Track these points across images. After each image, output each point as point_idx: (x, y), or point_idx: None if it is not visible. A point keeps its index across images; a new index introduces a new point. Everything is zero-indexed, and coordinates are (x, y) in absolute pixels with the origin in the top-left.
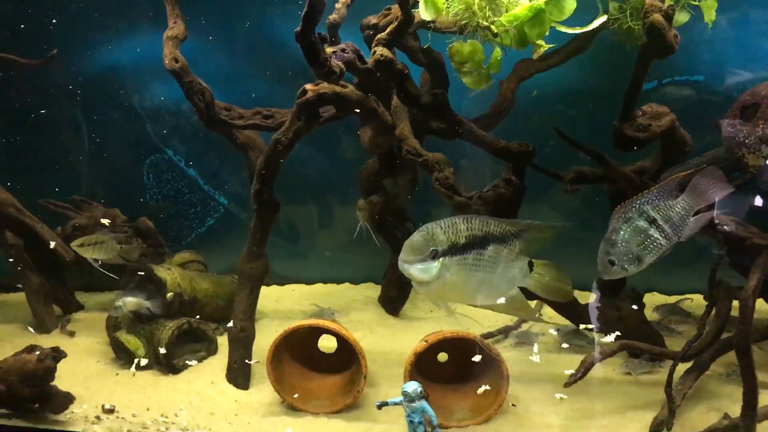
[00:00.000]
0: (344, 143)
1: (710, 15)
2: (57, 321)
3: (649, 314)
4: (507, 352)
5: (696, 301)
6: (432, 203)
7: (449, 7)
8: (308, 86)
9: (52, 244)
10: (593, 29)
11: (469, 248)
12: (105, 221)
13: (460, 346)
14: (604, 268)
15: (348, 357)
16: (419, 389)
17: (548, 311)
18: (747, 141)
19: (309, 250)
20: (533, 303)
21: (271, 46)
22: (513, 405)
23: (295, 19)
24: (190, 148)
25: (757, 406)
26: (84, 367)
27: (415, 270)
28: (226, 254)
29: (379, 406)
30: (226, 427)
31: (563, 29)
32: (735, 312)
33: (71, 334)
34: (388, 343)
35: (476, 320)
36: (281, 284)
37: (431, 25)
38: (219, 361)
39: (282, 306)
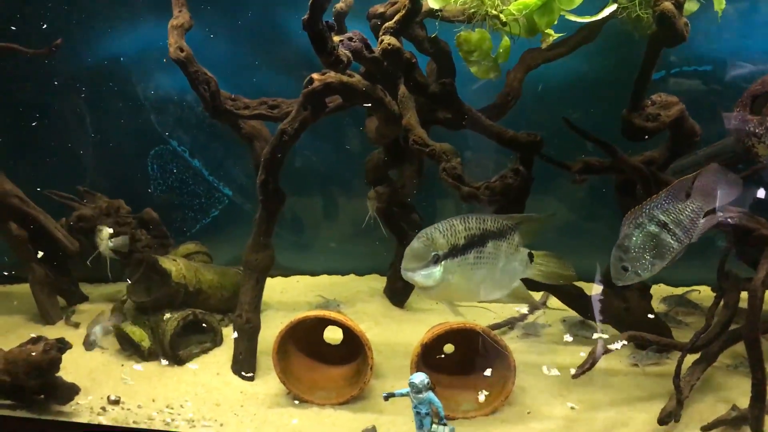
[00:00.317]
0: (349, 134)
1: (720, 4)
2: (61, 312)
3: (657, 306)
4: (513, 343)
5: (703, 293)
6: (438, 194)
7: None
8: (315, 75)
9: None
10: (603, 17)
11: (469, 248)
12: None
13: (466, 338)
14: (618, 275)
15: (354, 348)
16: (426, 380)
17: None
18: (757, 131)
19: (314, 241)
20: (539, 294)
21: (276, 35)
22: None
23: (301, 7)
24: (194, 138)
25: (765, 397)
26: (89, 359)
27: (419, 276)
28: (231, 245)
29: (386, 398)
30: (232, 418)
31: (573, 18)
32: (743, 303)
33: (76, 325)
34: (394, 334)
35: (488, 308)
36: (286, 275)
37: (439, 13)
38: (224, 353)
39: (287, 297)
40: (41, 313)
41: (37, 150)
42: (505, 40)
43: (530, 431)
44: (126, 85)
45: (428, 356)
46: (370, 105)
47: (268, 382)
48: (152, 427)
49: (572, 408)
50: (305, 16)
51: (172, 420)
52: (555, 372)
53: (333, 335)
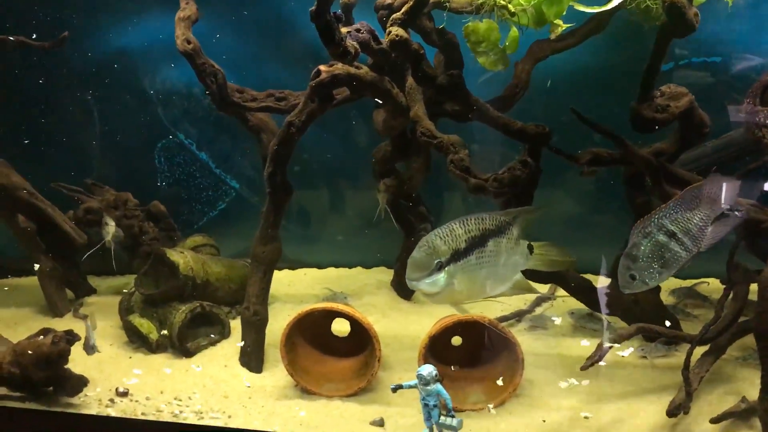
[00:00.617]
0: (356, 126)
1: None
2: (69, 305)
3: (665, 298)
4: (521, 335)
5: (712, 285)
6: (444, 187)
7: None
8: (322, 67)
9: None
10: (612, 8)
11: (471, 250)
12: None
13: (474, 330)
14: (626, 283)
15: (361, 341)
16: (434, 372)
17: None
18: (767, 122)
19: (321, 234)
20: (547, 287)
21: (283, 27)
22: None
23: None
24: (201, 131)
25: None
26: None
27: (424, 285)
28: (238, 238)
29: (394, 389)
30: (240, 410)
31: (581, 8)
32: (752, 295)
33: (84, 317)
34: (401, 327)
35: (499, 300)
36: (293, 268)
37: (446, 4)
38: (232, 345)
39: (294, 290)
40: (49, 306)
41: (44, 143)
42: (514, 31)
43: (538, 423)
44: (133, 77)
45: (436, 348)
46: (377, 97)
47: (275, 374)
48: (161, 419)
49: (573, 384)
50: (313, 8)
51: (180, 412)
52: (573, 382)
53: (340, 327)
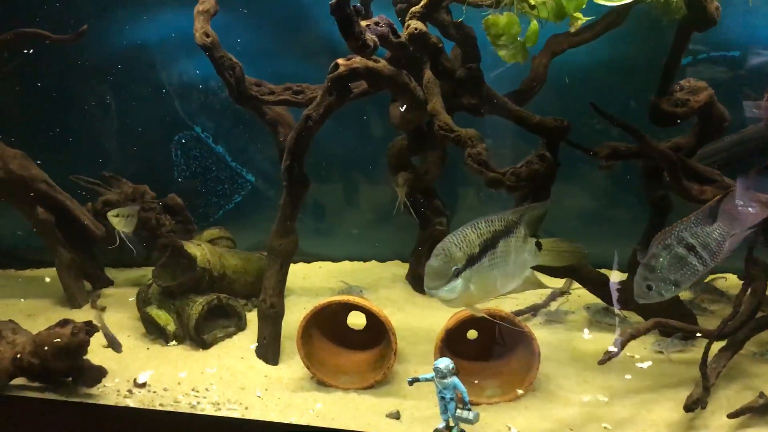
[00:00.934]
0: (372, 119)
1: None
2: (87, 296)
3: (682, 293)
4: (536, 330)
5: (730, 280)
6: (459, 181)
7: None
8: (340, 61)
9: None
10: (632, 1)
11: (483, 253)
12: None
13: (490, 323)
14: (641, 293)
15: (377, 334)
16: (451, 365)
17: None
18: None
19: (336, 227)
20: (562, 281)
21: (301, 21)
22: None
23: None
24: (218, 124)
25: None
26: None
27: (443, 293)
28: (254, 231)
29: (411, 382)
30: (257, 401)
31: (601, 2)
32: None
33: (102, 309)
34: (417, 320)
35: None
36: (308, 261)
37: None
38: (248, 337)
39: (309, 283)
40: (68, 297)
41: (63, 136)
42: (534, 24)
43: (554, 417)
44: (150, 71)
45: (452, 341)
46: (395, 91)
47: (291, 366)
48: (178, 410)
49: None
50: (333, 0)
51: (198, 403)
52: (602, 399)
53: (356, 321)
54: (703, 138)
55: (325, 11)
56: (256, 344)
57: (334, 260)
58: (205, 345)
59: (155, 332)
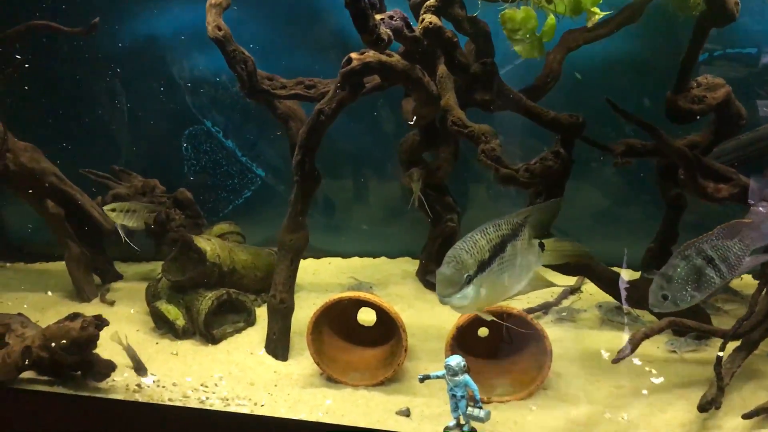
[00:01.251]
0: (383, 115)
1: None
2: (96, 290)
3: None
4: (547, 328)
5: (745, 280)
6: (471, 177)
7: None
8: (353, 55)
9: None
10: None
11: (493, 258)
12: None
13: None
14: (656, 302)
15: (387, 330)
16: (463, 363)
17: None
18: None
19: (346, 223)
20: (574, 279)
21: (313, 14)
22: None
23: None
24: (228, 119)
25: None
26: (124, 337)
27: (456, 300)
28: (264, 226)
29: (422, 380)
30: (266, 397)
31: None
32: None
33: (111, 303)
34: (427, 317)
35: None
36: (317, 257)
37: None
38: (257, 333)
39: (319, 279)
40: (77, 291)
41: (74, 129)
42: (551, 19)
43: (566, 416)
44: (161, 64)
45: (463, 339)
46: (408, 86)
47: (301, 362)
48: (187, 405)
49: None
50: None
51: (207, 398)
52: (615, 398)
53: (366, 317)
54: (720, 135)
55: (339, 5)
56: (266, 340)
57: (344, 256)
58: (214, 340)
59: (164, 327)
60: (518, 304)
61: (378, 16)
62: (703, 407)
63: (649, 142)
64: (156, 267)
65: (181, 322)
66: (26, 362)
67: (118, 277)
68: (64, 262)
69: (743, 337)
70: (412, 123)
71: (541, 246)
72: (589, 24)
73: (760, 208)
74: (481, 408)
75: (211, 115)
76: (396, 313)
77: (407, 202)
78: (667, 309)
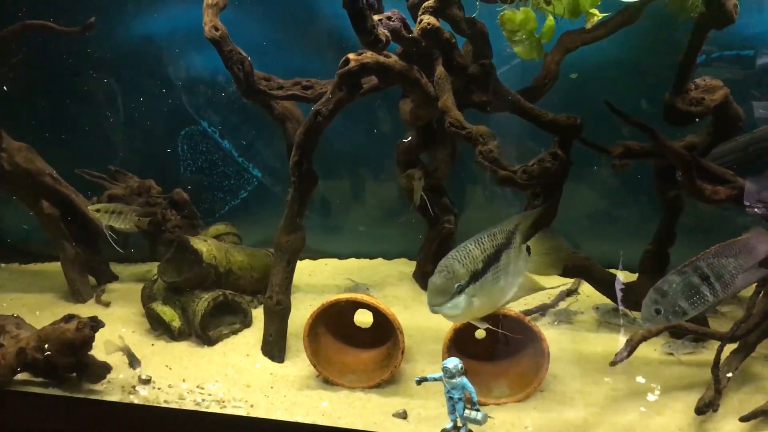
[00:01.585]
0: (380, 116)
1: None
2: (92, 291)
3: None
4: (545, 330)
5: None
6: (468, 178)
7: None
8: (351, 56)
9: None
10: None
11: (487, 268)
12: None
13: (499, 323)
14: (649, 315)
15: (384, 332)
16: (460, 365)
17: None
18: None
19: (342, 224)
20: (572, 280)
21: (310, 14)
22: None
23: None
24: (224, 119)
25: None
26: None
27: (446, 310)
28: (260, 227)
29: (419, 382)
30: (262, 399)
31: None
32: None
33: (106, 304)
34: (424, 319)
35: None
36: (314, 258)
37: None
38: (254, 334)
39: (315, 280)
40: (72, 292)
41: (69, 130)
42: (550, 20)
43: (563, 418)
44: (158, 64)
45: (460, 341)
46: (406, 87)
47: (297, 364)
48: (183, 407)
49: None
50: None
51: (203, 400)
52: (612, 400)
53: (363, 319)
54: (718, 137)
55: (336, 5)
56: (262, 342)
57: (341, 257)
58: (210, 342)
59: (160, 328)
60: (516, 306)
61: (376, 17)
62: (700, 410)
63: (646, 143)
64: (152, 268)
65: (177, 323)
66: (21, 364)
67: (114, 278)
68: (59, 263)
69: (740, 339)
70: (406, 141)
71: (528, 250)
72: (588, 25)
73: (760, 228)
74: (478, 410)
75: (208, 115)
76: (393, 314)
77: (404, 203)
78: (658, 323)
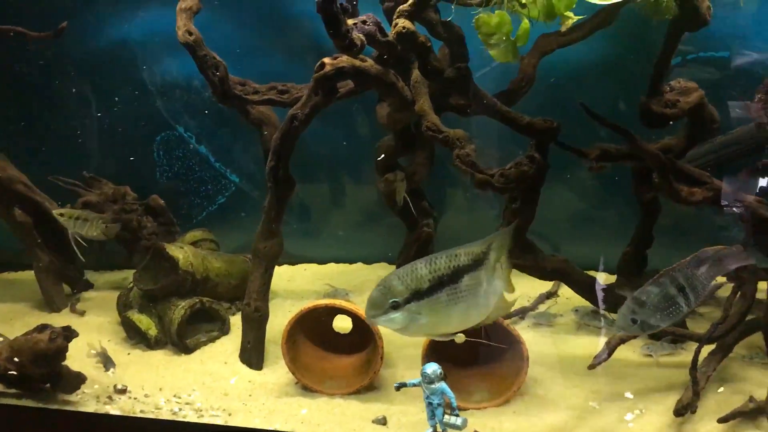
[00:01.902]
0: (358, 119)
1: None
2: (66, 300)
3: None
4: (524, 333)
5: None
6: (448, 182)
7: None
8: (326, 60)
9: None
10: (622, 0)
11: (439, 288)
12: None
13: (478, 328)
14: (625, 324)
15: (364, 338)
16: (439, 371)
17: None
18: None
19: (321, 229)
20: (551, 283)
21: (285, 19)
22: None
23: None
24: (201, 124)
25: None
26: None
27: (381, 322)
28: (238, 233)
29: (398, 388)
30: (241, 407)
31: (593, 0)
32: (761, 294)
33: (81, 313)
34: None
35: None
36: (293, 264)
37: None
38: (232, 342)
39: (294, 286)
40: (46, 301)
41: (42, 136)
42: (525, 23)
43: (543, 422)
44: (132, 69)
45: (439, 346)
46: (382, 91)
47: (276, 371)
48: (159, 417)
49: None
50: None
51: (180, 409)
52: (592, 403)
53: (342, 324)
54: (694, 139)
55: (312, 9)
56: (240, 349)
57: (320, 262)
58: (187, 350)
59: (136, 337)
60: None
61: (350, 21)
62: (678, 412)
63: (623, 146)
64: (128, 276)
65: (153, 331)
66: None
67: (89, 286)
68: (32, 272)
69: (718, 340)
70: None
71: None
72: (563, 28)
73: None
74: (458, 415)
75: (184, 120)
76: None
77: (383, 207)
78: (633, 332)
